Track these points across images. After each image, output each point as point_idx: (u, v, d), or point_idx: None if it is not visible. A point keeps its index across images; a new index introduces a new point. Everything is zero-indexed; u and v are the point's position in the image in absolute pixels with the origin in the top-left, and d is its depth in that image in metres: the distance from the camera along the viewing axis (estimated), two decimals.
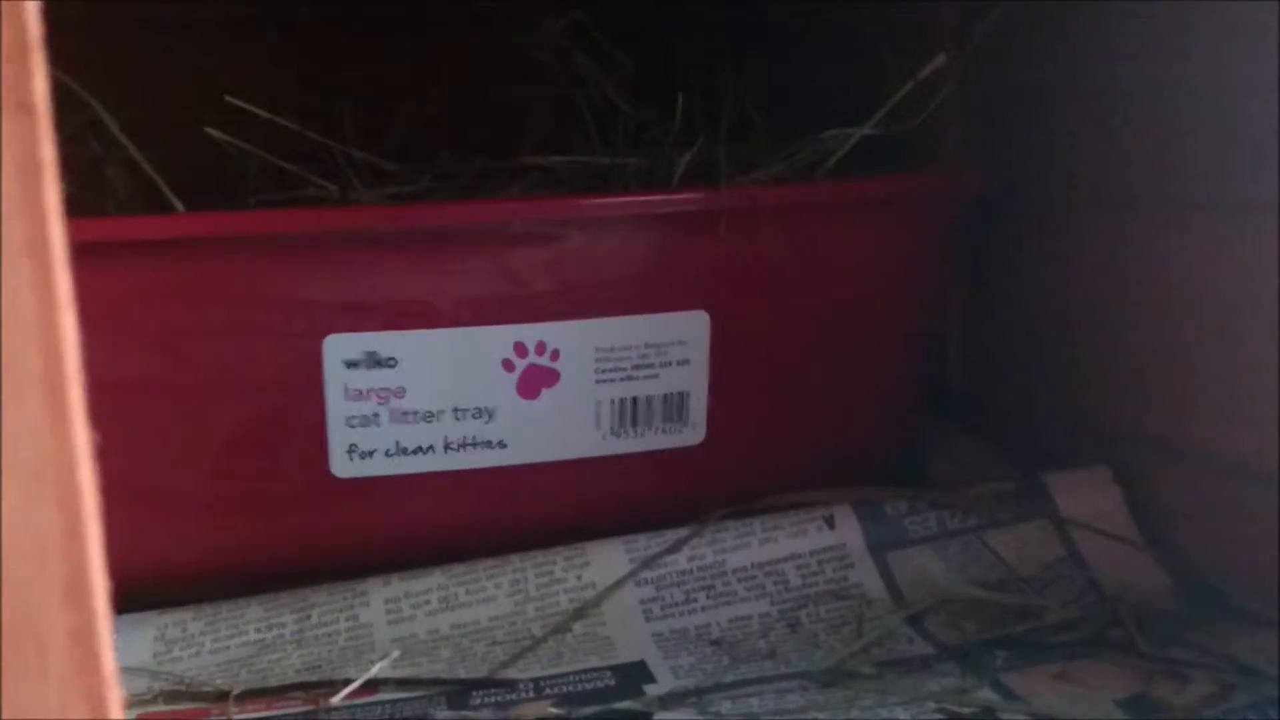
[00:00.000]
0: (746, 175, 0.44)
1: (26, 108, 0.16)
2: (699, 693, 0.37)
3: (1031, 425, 0.53)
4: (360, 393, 0.43)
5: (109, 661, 0.17)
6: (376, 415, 0.43)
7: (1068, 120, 0.49)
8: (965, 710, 0.36)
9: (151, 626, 0.42)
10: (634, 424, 0.46)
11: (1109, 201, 0.47)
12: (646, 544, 0.45)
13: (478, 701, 0.38)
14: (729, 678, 0.38)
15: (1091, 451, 0.48)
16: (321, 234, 0.40)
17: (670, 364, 0.46)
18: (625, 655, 0.41)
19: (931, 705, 0.36)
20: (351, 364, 0.43)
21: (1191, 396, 0.44)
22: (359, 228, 0.41)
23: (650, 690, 0.38)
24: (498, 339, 0.44)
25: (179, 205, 0.40)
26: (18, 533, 0.16)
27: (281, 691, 0.39)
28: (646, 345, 0.45)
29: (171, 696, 0.38)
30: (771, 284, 0.47)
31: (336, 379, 0.43)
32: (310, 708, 0.38)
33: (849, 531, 0.46)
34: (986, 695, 0.37)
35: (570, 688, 0.39)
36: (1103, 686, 0.37)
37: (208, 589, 0.43)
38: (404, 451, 0.44)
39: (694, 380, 0.46)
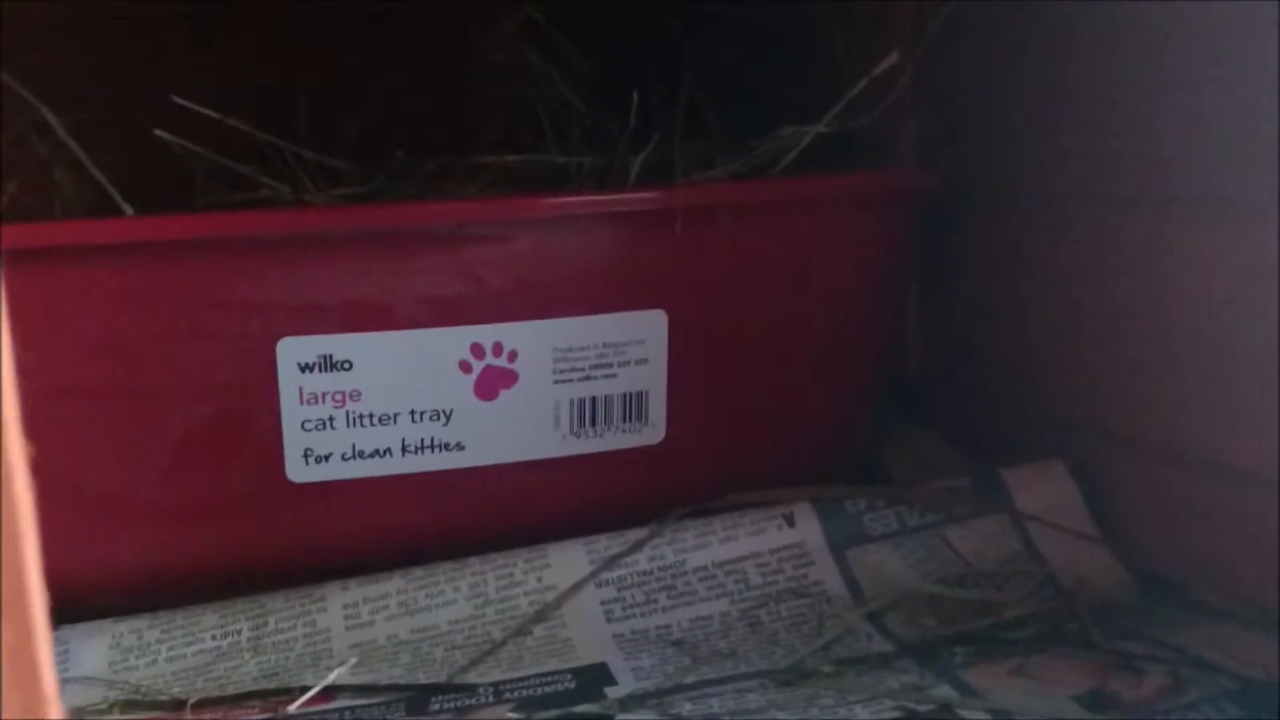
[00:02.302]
0: (702, 173, 0.44)
1: None
2: (659, 694, 0.37)
3: (987, 419, 0.53)
4: (315, 396, 0.43)
5: (49, 676, 0.17)
6: (332, 418, 0.43)
7: (1022, 118, 0.49)
8: (924, 707, 0.36)
9: (106, 635, 0.41)
10: (593, 424, 0.46)
11: (1066, 196, 0.47)
12: (607, 545, 0.45)
13: (436, 707, 0.38)
14: (689, 679, 0.38)
15: (1047, 445, 0.49)
16: (273, 236, 0.40)
17: (629, 363, 0.46)
18: (586, 657, 0.41)
19: (890, 703, 0.36)
20: (306, 367, 0.42)
21: (1146, 390, 0.44)
22: (311, 229, 0.41)
23: (611, 693, 0.38)
24: (454, 340, 0.43)
25: (127, 209, 0.40)
26: None
27: (238, 699, 0.39)
28: (604, 345, 0.45)
29: (127, 706, 0.38)
30: (729, 282, 0.47)
31: (291, 382, 0.42)
32: (267, 716, 0.38)
33: (808, 529, 0.46)
34: (945, 692, 0.37)
35: (530, 691, 0.39)
36: (1059, 682, 0.37)
37: (163, 596, 0.43)
38: (361, 455, 0.44)
39: (653, 380, 0.46)
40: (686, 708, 0.37)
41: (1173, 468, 0.43)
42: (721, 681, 0.38)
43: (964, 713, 0.35)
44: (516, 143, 0.47)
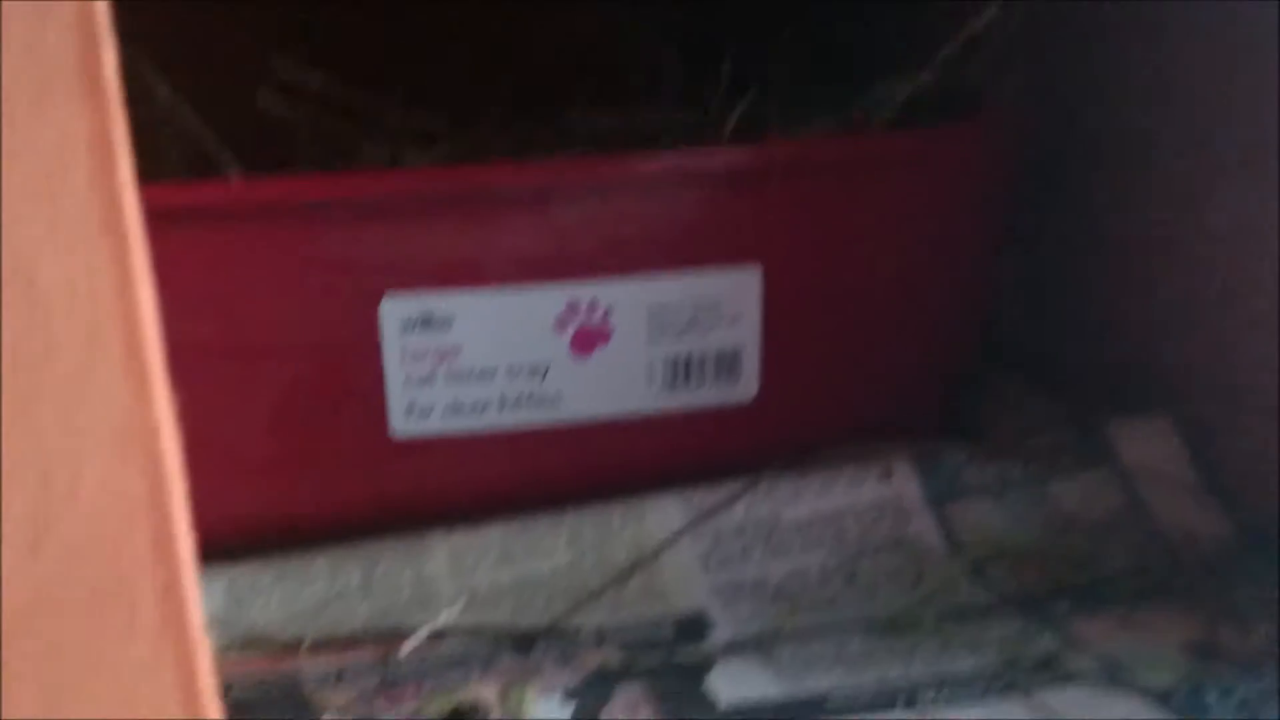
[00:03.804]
0: (798, 129, 0.43)
1: (97, 89, 0.16)
2: (760, 640, 0.38)
3: (1090, 374, 0.52)
4: (417, 353, 0.43)
5: (197, 615, 0.18)
6: (433, 375, 0.44)
7: (1120, 69, 0.48)
8: (1028, 657, 0.36)
9: (223, 579, 0.42)
10: (686, 380, 0.46)
11: (1169, 149, 0.46)
12: (703, 497, 0.45)
13: (541, 648, 0.39)
14: (789, 625, 0.39)
15: (1150, 400, 0.48)
16: (377, 199, 0.41)
17: (722, 320, 0.46)
18: (684, 606, 0.41)
19: (994, 652, 0.36)
20: (408, 325, 0.43)
21: (1252, 345, 0.43)
22: (413, 191, 0.41)
23: (711, 637, 0.39)
24: (550, 298, 0.44)
25: (234, 172, 0.41)
26: (107, 496, 0.17)
27: (351, 641, 0.40)
28: (698, 302, 0.45)
29: (245, 646, 0.39)
30: (824, 237, 0.46)
31: (394, 340, 0.43)
32: (380, 657, 0.39)
33: (907, 483, 0.45)
34: (1049, 643, 0.37)
35: (631, 636, 0.39)
36: (1167, 632, 0.37)
37: (276, 544, 0.44)
38: (461, 410, 0.44)
39: (746, 336, 0.46)
40: (787, 653, 0.37)
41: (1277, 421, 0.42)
42: (822, 629, 0.38)
43: (1069, 663, 0.35)
44: (610, 100, 0.47)
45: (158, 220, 0.40)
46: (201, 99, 0.45)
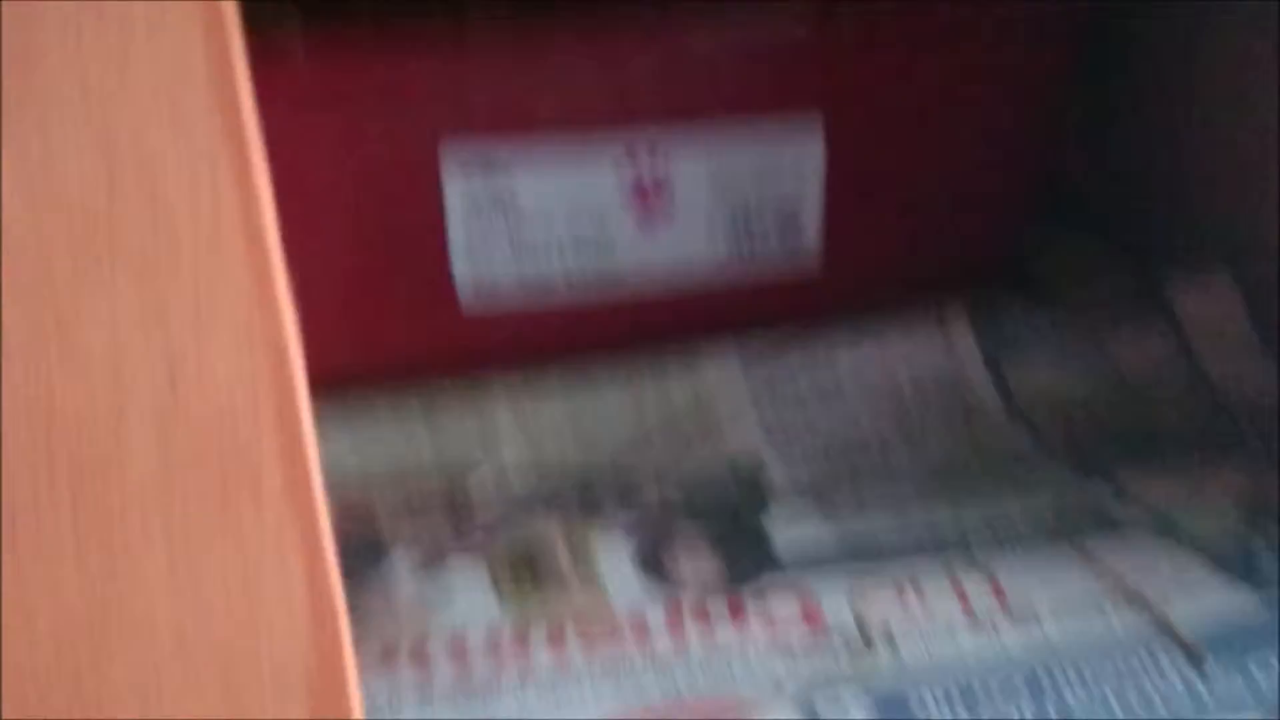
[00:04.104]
0: None
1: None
2: (813, 484, 0.39)
3: (1150, 229, 0.52)
4: (479, 208, 0.43)
5: (317, 480, 0.19)
6: (494, 232, 0.44)
7: None
8: (1077, 507, 0.37)
9: None
10: (749, 237, 0.46)
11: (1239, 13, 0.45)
12: (759, 344, 0.46)
13: (601, 485, 0.40)
14: (845, 477, 0.40)
15: (1208, 258, 0.47)
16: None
17: (784, 174, 0.45)
18: (738, 446, 0.43)
19: (1044, 500, 0.37)
20: (468, 171, 0.43)
21: None
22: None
23: (765, 479, 0.40)
24: (610, 145, 0.44)
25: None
26: (233, 380, 0.18)
27: (419, 475, 0.42)
28: (760, 154, 0.45)
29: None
30: (887, 92, 0.45)
31: (456, 189, 0.43)
32: (447, 492, 0.41)
33: (961, 333, 0.46)
34: (1100, 493, 0.38)
35: (687, 475, 0.41)
36: (1218, 487, 0.37)
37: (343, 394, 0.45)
38: (523, 266, 0.45)
39: (808, 190, 0.46)
40: (840, 495, 0.39)
41: None
42: (874, 474, 0.39)
43: (1120, 514, 0.36)
44: None
45: None
46: None
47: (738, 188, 0.45)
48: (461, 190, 0.43)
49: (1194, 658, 0.29)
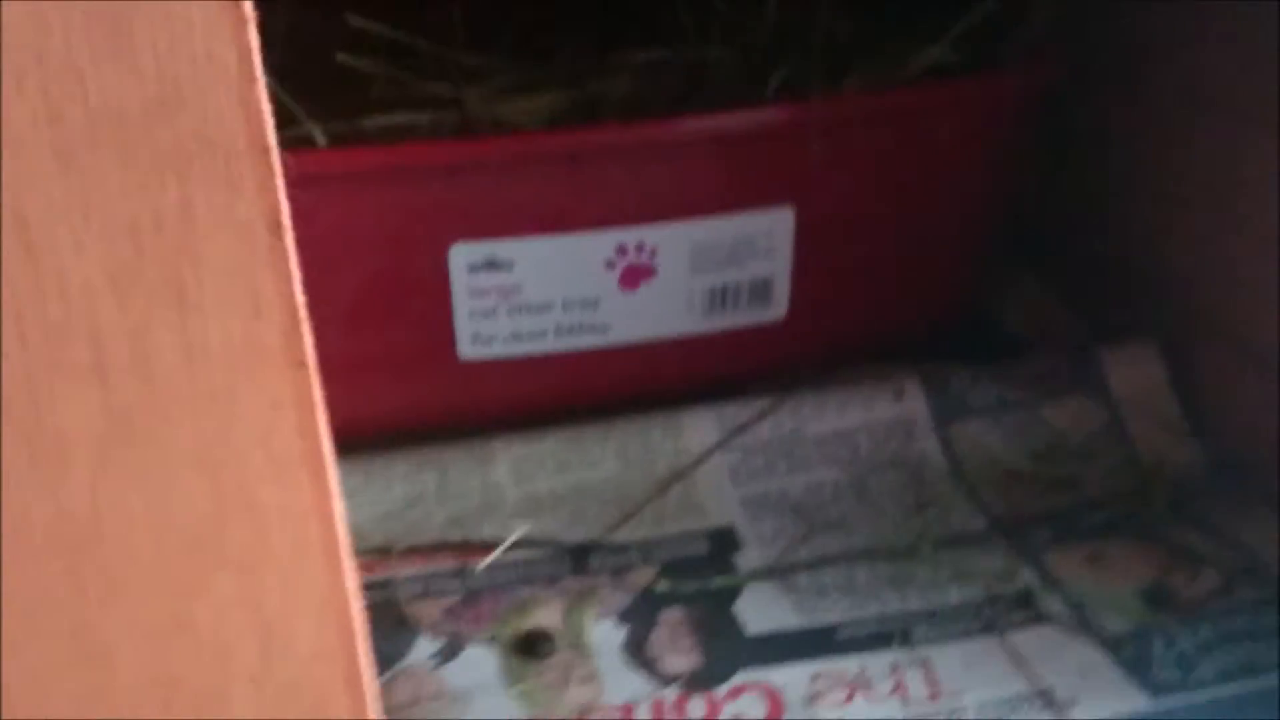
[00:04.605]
0: (837, 86, 0.46)
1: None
2: (780, 570, 0.45)
3: (1091, 290, 0.57)
4: (482, 291, 0.48)
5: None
6: (496, 309, 0.49)
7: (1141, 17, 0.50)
8: (1008, 592, 0.43)
9: None
10: (723, 307, 0.51)
11: (1187, 98, 0.49)
12: (735, 413, 0.51)
13: (596, 564, 0.46)
14: (805, 552, 0.45)
15: (1143, 321, 0.52)
16: (448, 163, 0.45)
17: (758, 254, 0.50)
18: (716, 519, 0.48)
19: (979, 588, 0.43)
20: (474, 268, 0.48)
21: (1236, 283, 0.47)
22: (479, 155, 0.45)
23: (739, 560, 0.46)
24: (601, 242, 0.48)
25: (320, 138, 0.44)
26: (311, 652, 0.23)
27: (432, 548, 0.47)
28: (736, 240, 0.50)
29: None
30: (855, 179, 0.50)
31: (461, 280, 0.48)
32: (458, 566, 0.46)
33: (915, 403, 0.51)
34: (1028, 577, 0.43)
35: (671, 554, 0.46)
36: (1127, 572, 0.43)
37: (352, 448, 0.50)
38: (520, 338, 0.50)
39: (778, 267, 0.51)
40: (804, 580, 0.44)
41: (1255, 358, 0.47)
42: (834, 560, 0.45)
43: (1042, 601, 0.42)
44: (659, 40, 0.50)
45: None
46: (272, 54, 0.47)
47: (716, 268, 0.50)
48: (467, 282, 0.48)
49: None
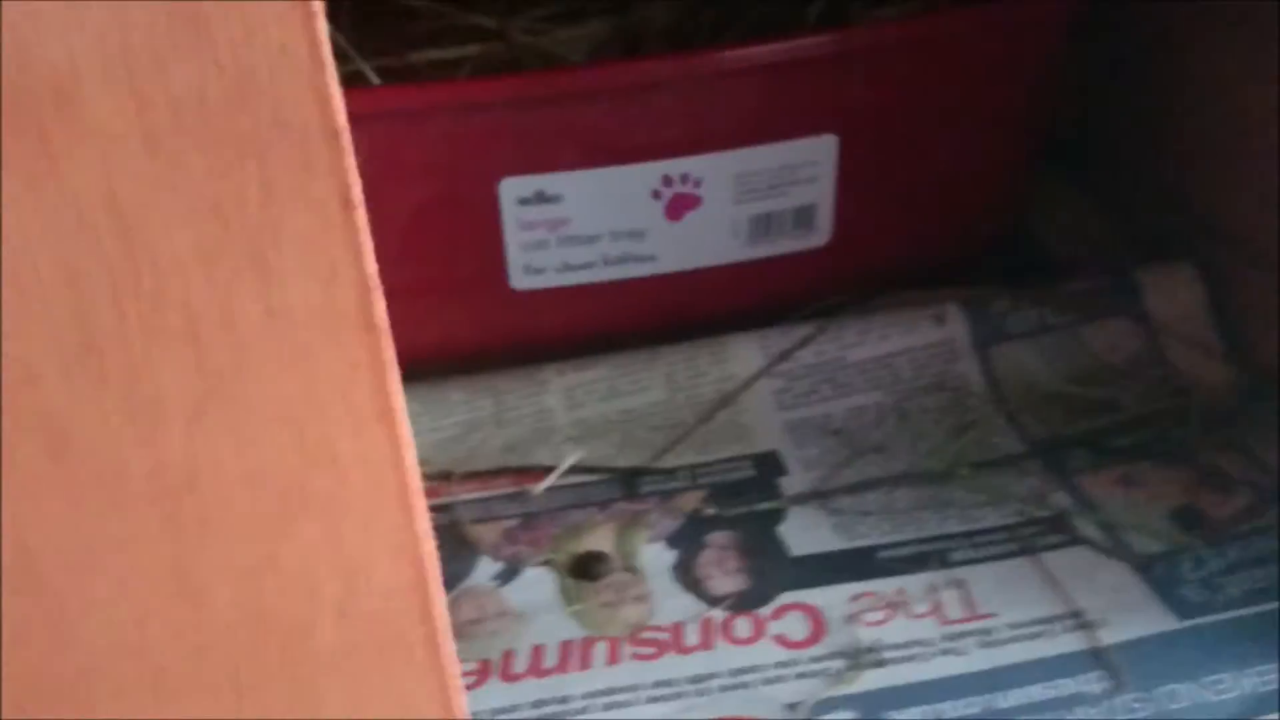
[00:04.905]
0: (876, 12, 0.47)
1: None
2: (822, 492, 0.46)
3: (1135, 207, 0.57)
4: (531, 224, 0.50)
5: (452, 656, 0.26)
6: (546, 241, 0.50)
7: None
8: (1043, 514, 0.44)
9: None
10: (766, 234, 0.52)
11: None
12: (779, 339, 0.52)
13: (646, 489, 0.48)
14: (846, 475, 0.47)
15: (1182, 242, 0.53)
16: (502, 100, 0.46)
17: (800, 182, 0.51)
18: (762, 443, 0.50)
19: (1014, 510, 0.45)
20: (524, 201, 0.49)
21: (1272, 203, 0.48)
22: (528, 90, 0.46)
23: (783, 484, 0.47)
24: (647, 174, 0.49)
25: (373, 77, 0.45)
26: (389, 586, 0.25)
27: (491, 473, 0.49)
28: (780, 168, 0.50)
29: None
30: (896, 104, 0.50)
31: (511, 213, 0.49)
32: (516, 490, 0.48)
33: (956, 328, 0.52)
34: (1062, 500, 0.45)
35: (718, 478, 0.48)
36: (1158, 494, 0.45)
37: (415, 376, 0.52)
38: (570, 268, 0.51)
39: (821, 193, 0.52)
40: (845, 503, 0.46)
41: None
42: (875, 483, 0.47)
43: (1076, 521, 0.44)
44: None
45: None
46: None
47: (760, 197, 0.51)
48: (516, 215, 0.49)
49: (1119, 683, 0.37)
